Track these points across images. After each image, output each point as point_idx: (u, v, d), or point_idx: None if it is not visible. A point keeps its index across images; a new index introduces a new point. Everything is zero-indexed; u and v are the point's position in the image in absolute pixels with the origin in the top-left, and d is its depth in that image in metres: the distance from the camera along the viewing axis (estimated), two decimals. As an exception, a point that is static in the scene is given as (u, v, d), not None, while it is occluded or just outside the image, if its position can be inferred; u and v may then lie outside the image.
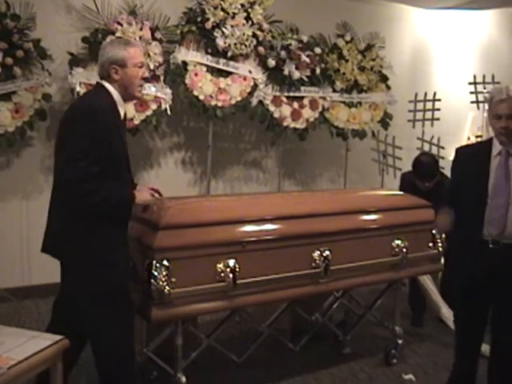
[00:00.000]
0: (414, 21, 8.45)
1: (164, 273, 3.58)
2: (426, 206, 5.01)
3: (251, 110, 6.71)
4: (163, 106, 6.16)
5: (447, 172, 4.90)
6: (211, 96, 6.37)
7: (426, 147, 7.39)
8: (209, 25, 6.29)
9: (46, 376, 3.41)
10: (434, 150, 7.48)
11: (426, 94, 7.67)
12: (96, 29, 5.93)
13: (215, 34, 6.32)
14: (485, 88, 7.88)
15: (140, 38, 5.92)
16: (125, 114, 3.71)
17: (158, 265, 3.58)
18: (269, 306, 4.76)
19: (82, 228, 3.40)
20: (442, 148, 7.57)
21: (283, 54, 6.75)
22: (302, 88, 6.95)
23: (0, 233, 6.20)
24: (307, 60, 6.85)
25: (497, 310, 3.93)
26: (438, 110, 7.68)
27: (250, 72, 6.58)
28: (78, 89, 5.78)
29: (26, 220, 6.28)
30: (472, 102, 7.96)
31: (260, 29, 6.57)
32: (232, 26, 6.35)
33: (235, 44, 6.37)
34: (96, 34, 5.91)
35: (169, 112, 6.21)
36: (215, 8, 6.32)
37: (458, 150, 4.14)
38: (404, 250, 4.68)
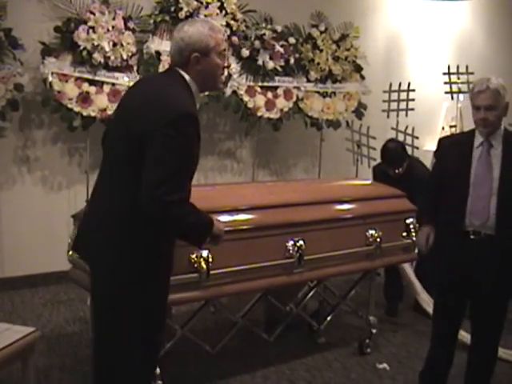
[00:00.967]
0: (388, 11, 8.44)
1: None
2: (400, 196, 5.04)
3: (225, 100, 6.70)
4: (137, 96, 6.11)
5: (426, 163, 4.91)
6: (185, 86, 6.33)
7: (401, 137, 7.39)
8: (182, 14, 6.25)
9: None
10: (409, 140, 7.50)
11: (400, 84, 7.67)
12: (68, 18, 5.86)
13: (189, 23, 6.28)
14: (459, 78, 7.91)
15: (113, 27, 5.87)
16: None
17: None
18: (243, 297, 4.76)
19: (133, 238, 2.95)
20: (417, 138, 7.59)
21: (257, 43, 6.73)
22: (276, 78, 6.94)
23: (-28, 224, 6.15)
24: (281, 50, 6.84)
25: (476, 301, 3.94)
26: (413, 100, 7.70)
27: (223, 62, 6.55)
28: (50, 79, 5.73)
29: (-1, 211, 6.24)
30: (446, 93, 7.99)
31: (234, 19, 6.55)
32: (205, 16, 6.31)
33: (209, 34, 6.34)
34: (68, 23, 5.84)
35: (142, 102, 6.16)
36: (189, -3, 6.30)
37: (440, 141, 4.17)
38: (378, 239, 4.69)
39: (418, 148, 7.59)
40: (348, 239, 4.57)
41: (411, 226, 4.93)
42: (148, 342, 3.09)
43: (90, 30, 5.77)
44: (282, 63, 6.91)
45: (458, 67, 7.90)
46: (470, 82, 7.25)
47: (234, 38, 6.60)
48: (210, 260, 3.80)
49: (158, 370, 3.94)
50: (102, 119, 5.99)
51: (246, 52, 6.70)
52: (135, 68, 6.14)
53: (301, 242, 4.25)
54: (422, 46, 8.77)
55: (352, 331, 5.42)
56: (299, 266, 4.28)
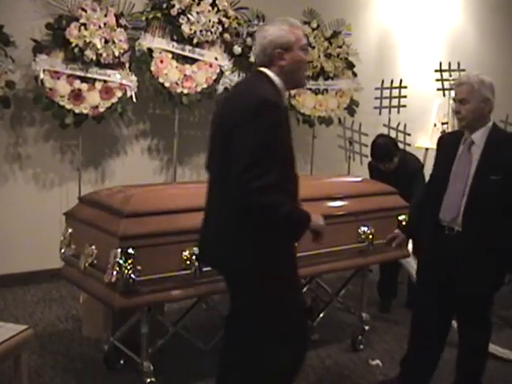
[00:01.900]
0: (380, 8, 8.44)
1: (129, 261, 3.56)
2: (392, 193, 5.04)
3: (217, 97, 6.68)
4: (128, 94, 6.11)
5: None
6: (177, 83, 6.33)
7: (393, 134, 7.39)
8: (174, 11, 6.25)
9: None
10: (401, 137, 7.51)
11: (392, 81, 7.68)
12: (60, 15, 5.85)
13: (181, 20, 6.28)
14: (450, 75, 7.94)
15: (104, 24, 5.86)
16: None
17: (122, 252, 3.56)
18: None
19: (256, 242, 3.02)
20: (409, 135, 7.61)
21: (249, 40, 6.72)
22: (269, 75, 6.92)
23: (-36, 222, 6.13)
24: (273, 47, 6.82)
25: (457, 299, 3.96)
26: (405, 97, 7.71)
27: (215, 59, 6.55)
28: (41, 76, 5.72)
29: (-10, 209, 6.22)
30: (438, 90, 8.01)
31: (226, 15, 6.54)
32: (198, 13, 6.31)
33: (201, 31, 6.34)
34: (60, 20, 5.83)
35: (134, 99, 6.16)
36: (180, -6, 6.29)
37: (439, 138, 4.22)
38: (370, 236, 4.69)
39: (409, 145, 7.61)
40: (340, 236, 4.55)
41: (403, 223, 4.93)
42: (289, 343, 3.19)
43: (82, 27, 5.76)
44: (274, 60, 6.88)
45: (449, 64, 7.93)
46: (462, 78, 7.26)
47: (226, 35, 6.58)
48: (203, 257, 3.81)
49: (150, 367, 3.95)
50: (93, 116, 5.98)
51: (238, 49, 6.69)
52: (127, 65, 6.12)
53: (293, 239, 4.25)
54: (414, 43, 8.78)
55: (345, 328, 5.42)
56: (292, 262, 4.28)
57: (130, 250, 3.57)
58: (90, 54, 5.79)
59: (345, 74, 7.46)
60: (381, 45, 8.55)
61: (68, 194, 6.42)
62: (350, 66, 7.48)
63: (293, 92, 7.12)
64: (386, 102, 7.69)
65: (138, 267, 3.60)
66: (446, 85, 7.94)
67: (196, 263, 3.78)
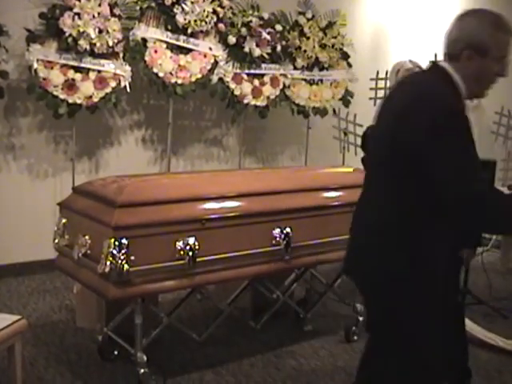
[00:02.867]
0: (375, -2, 8.45)
1: (123, 251, 3.55)
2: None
3: (211, 87, 6.67)
4: (122, 84, 6.08)
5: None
6: (171, 73, 6.31)
7: (387, 125, 7.37)
8: (168, 1, 6.22)
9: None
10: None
11: (387, 72, 7.64)
12: (54, 4, 5.81)
13: (175, 10, 6.26)
14: (445, 66, 7.90)
15: (98, 13, 5.83)
16: None
17: (116, 243, 3.55)
18: (230, 284, 4.75)
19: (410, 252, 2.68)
20: (403, 126, 7.59)
21: (244, 31, 6.70)
22: (263, 65, 6.92)
23: (-43, 212, 6.12)
24: (268, 37, 6.82)
25: None
26: (399, 87, 7.68)
27: (210, 49, 6.53)
28: (35, 66, 5.69)
29: (-16, 199, 6.20)
30: (433, 80, 7.98)
31: (220, 5, 6.52)
32: (192, 3, 6.28)
33: (195, 21, 6.32)
34: (54, 9, 5.79)
35: (128, 89, 6.14)
36: (175, -16, 6.27)
37: None
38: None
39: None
40: (335, 226, 4.54)
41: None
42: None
43: (76, 17, 5.72)
44: (269, 50, 6.88)
45: (444, 55, 7.90)
46: (457, 69, 7.25)
47: (221, 25, 6.55)
48: (196, 247, 3.80)
49: (144, 358, 3.95)
50: (87, 106, 5.96)
51: (232, 39, 6.66)
52: (121, 55, 6.09)
53: (288, 230, 4.26)
54: (409, 34, 8.75)
55: (339, 319, 5.42)
56: (286, 253, 4.28)
57: (124, 241, 3.57)
58: (83, 43, 5.76)
59: (340, 65, 7.44)
60: (376, 35, 8.54)
61: (62, 184, 6.41)
62: (345, 56, 7.46)
63: (287, 82, 7.13)
64: (380, 93, 7.67)
65: (132, 257, 3.59)
66: (441, 76, 7.93)
67: (190, 253, 3.77)
